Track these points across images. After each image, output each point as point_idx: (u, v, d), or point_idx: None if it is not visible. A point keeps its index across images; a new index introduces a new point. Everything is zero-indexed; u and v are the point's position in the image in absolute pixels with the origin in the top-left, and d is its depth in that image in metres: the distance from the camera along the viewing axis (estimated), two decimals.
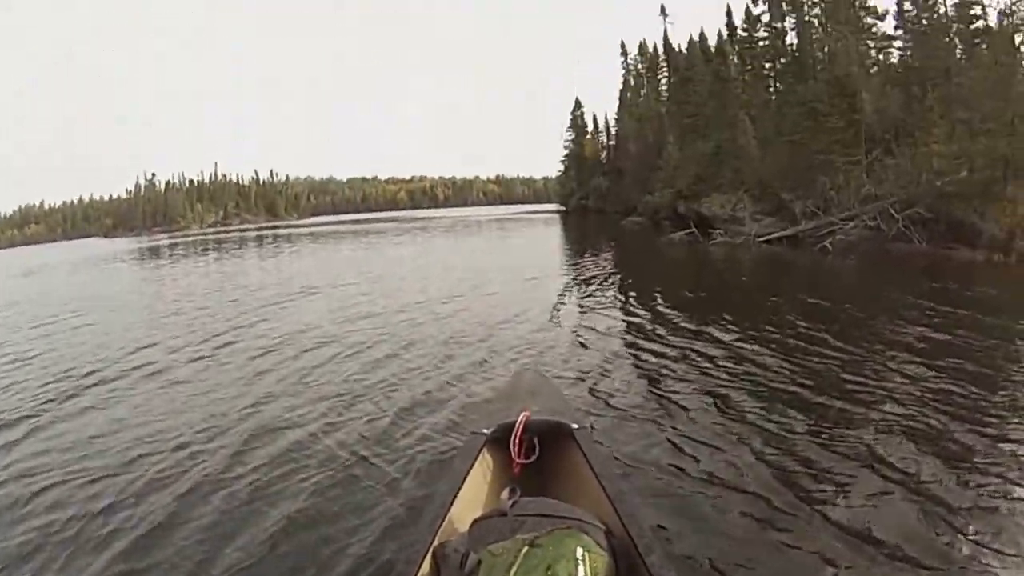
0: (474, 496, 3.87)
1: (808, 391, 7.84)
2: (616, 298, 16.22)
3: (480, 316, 13.91)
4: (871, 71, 39.49)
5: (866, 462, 5.71)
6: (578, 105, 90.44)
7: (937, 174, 28.57)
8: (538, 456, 4.28)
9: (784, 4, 46.03)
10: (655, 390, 8.15)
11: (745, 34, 51.64)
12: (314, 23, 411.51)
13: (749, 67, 50.00)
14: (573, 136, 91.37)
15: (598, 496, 3.52)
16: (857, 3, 41.13)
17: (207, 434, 7.34)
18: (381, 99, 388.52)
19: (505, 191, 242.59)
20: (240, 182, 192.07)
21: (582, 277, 20.67)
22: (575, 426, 4.30)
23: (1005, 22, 30.58)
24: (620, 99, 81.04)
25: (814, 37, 43.22)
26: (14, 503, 5.92)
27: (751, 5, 49.70)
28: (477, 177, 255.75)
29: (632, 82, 78.86)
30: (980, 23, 35.56)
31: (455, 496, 3.59)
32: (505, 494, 3.15)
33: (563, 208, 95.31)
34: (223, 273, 32.16)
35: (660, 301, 15.23)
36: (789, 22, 45.90)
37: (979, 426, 6.36)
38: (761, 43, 49.60)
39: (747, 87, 48.71)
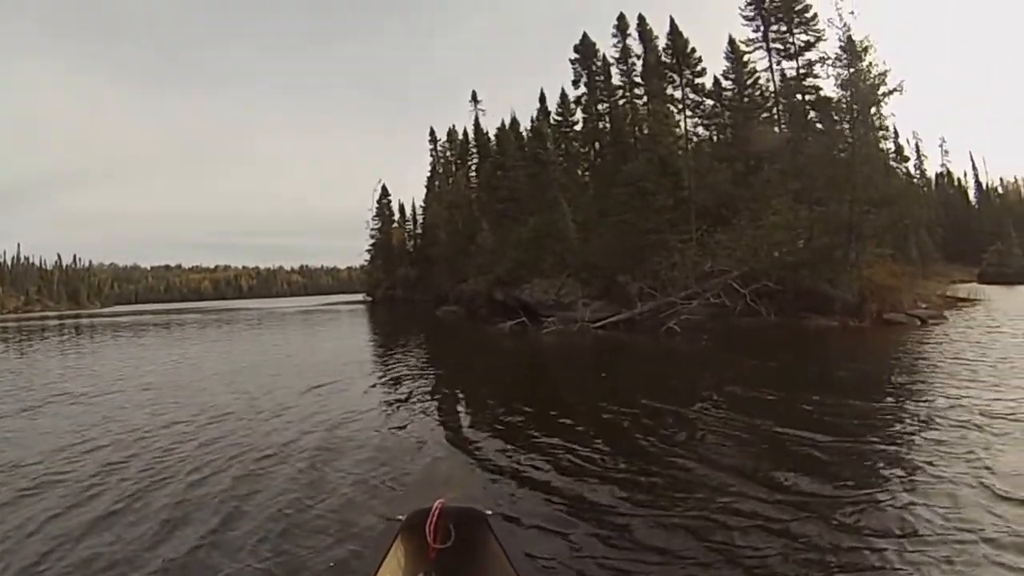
0: None
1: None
2: (462, 397, 15.04)
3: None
4: (693, 148, 39.06)
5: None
6: (385, 192, 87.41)
7: (775, 245, 28.25)
8: (453, 542, 4.38)
9: (600, 87, 45.37)
10: (554, 483, 7.94)
11: (560, 118, 50.86)
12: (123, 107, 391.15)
13: (563, 150, 48.82)
14: (380, 224, 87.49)
15: None
16: (681, 81, 40.80)
17: None
18: (185, 184, 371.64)
19: (310, 281, 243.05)
20: (43, 266, 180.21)
21: (417, 377, 17.89)
22: (489, 513, 4.62)
23: (846, 93, 29.96)
24: (428, 186, 78.77)
25: (637, 117, 42.38)
26: None
27: (568, 89, 49.47)
28: (281, 267, 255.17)
29: (441, 169, 76.63)
30: (815, 95, 35.73)
31: None
32: None
33: (370, 298, 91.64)
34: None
35: (511, 398, 14.37)
36: (605, 106, 45.14)
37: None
38: (577, 126, 48.84)
39: (564, 171, 47.48)
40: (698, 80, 41.55)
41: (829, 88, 34.69)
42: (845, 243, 27.54)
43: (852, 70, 29.49)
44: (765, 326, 25.42)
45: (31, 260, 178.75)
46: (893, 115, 29.74)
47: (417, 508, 4.54)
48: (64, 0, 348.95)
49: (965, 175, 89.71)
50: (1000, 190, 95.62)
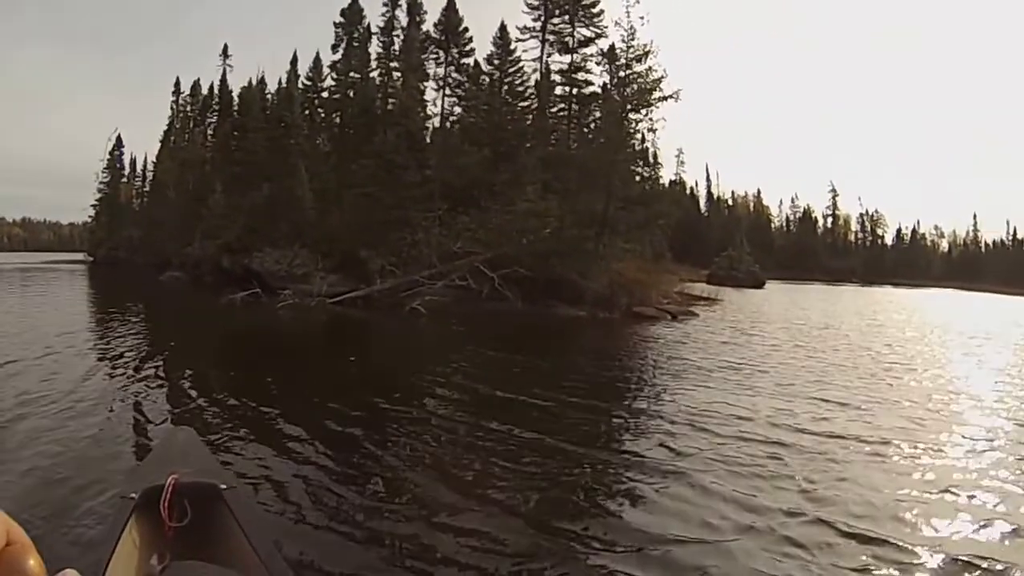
0: (125, 561, 3.65)
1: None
2: (190, 375, 13.24)
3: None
4: (447, 128, 38.00)
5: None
6: (119, 143, 79.10)
7: (524, 232, 27.69)
8: (190, 519, 4.10)
9: (358, 55, 43.06)
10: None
11: (310, 83, 48.03)
12: None
13: (308, 117, 46.22)
14: (108, 179, 79.08)
15: (250, 559, 3.55)
16: (446, 59, 39.70)
17: None
18: None
19: (31, 236, 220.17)
20: None
21: (139, 352, 15.74)
22: (225, 487, 4.28)
23: (617, 91, 30.07)
24: (163, 141, 71.94)
25: (389, 90, 40.42)
26: None
27: (324, 54, 47.01)
28: (3, 219, 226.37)
29: (179, 124, 70.26)
30: (582, 89, 35.43)
31: (107, 564, 3.35)
32: (154, 559, 3.32)
33: (91, 258, 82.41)
34: None
35: (244, 377, 13.78)
36: (359, 76, 42.96)
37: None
38: (327, 93, 46.22)
39: (307, 138, 44.80)
40: (464, 60, 40.48)
41: (599, 85, 34.86)
42: (596, 236, 27.40)
43: (629, 71, 29.40)
44: (513, 312, 24.98)
45: None
46: (663, 120, 29.94)
47: (150, 485, 4.18)
48: None
49: (697, 184, 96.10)
50: (729, 201, 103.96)
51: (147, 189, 75.79)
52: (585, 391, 11.74)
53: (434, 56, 40.83)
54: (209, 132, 64.38)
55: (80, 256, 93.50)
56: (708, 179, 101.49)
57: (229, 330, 22.38)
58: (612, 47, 34.12)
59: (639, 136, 30.89)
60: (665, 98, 28.78)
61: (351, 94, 42.54)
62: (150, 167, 76.27)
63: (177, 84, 71.39)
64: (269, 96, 53.53)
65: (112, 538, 3.69)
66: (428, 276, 26.61)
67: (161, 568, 3.01)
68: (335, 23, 44.39)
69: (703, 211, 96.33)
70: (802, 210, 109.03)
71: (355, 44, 43.67)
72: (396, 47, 42.13)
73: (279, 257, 32.47)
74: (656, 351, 17.27)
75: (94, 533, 5.18)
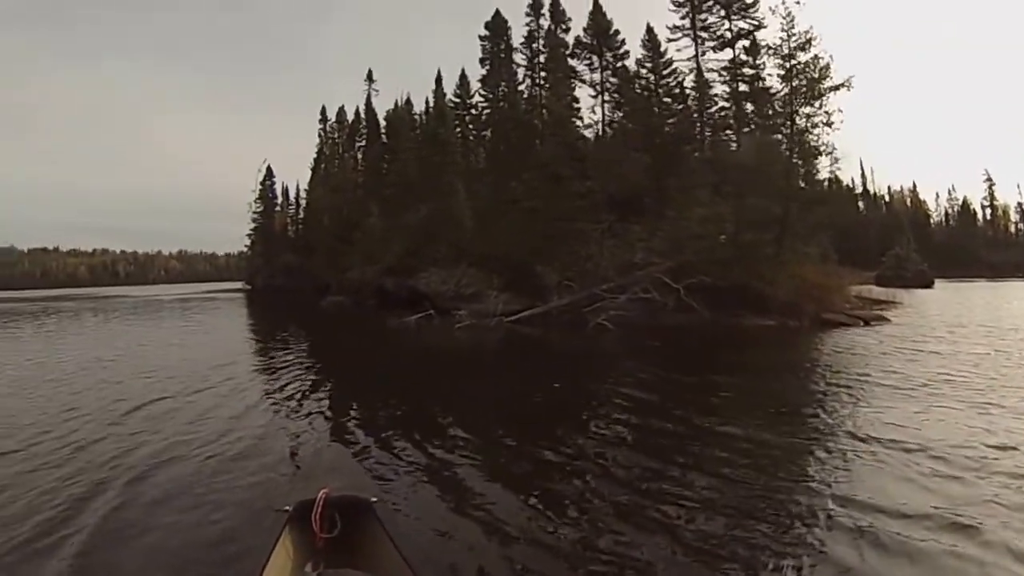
0: (279, 572, 3.93)
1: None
2: (362, 396, 13.38)
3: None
4: (609, 135, 36.66)
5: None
6: (269, 174, 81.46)
7: (698, 239, 25.89)
8: (340, 531, 4.39)
9: (509, 67, 42.36)
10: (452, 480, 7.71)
11: (458, 100, 47.74)
12: None
13: (459, 134, 45.64)
14: (262, 208, 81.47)
15: (400, 569, 3.84)
16: (601, 63, 38.50)
17: None
18: (63, 163, 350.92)
19: (187, 268, 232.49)
20: None
21: (312, 374, 15.80)
22: (374, 500, 4.71)
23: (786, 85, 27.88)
24: (314, 169, 73.72)
25: (542, 100, 39.44)
26: None
27: (469, 70, 46.69)
28: (160, 252, 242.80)
29: (328, 151, 71.77)
30: (751, 86, 33.35)
31: (262, 572, 3.70)
32: (309, 567, 3.62)
33: (249, 287, 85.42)
34: None
35: (422, 399, 12.94)
36: (509, 87, 42.13)
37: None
38: (477, 108, 45.78)
39: (462, 155, 44.12)
40: (620, 64, 39.09)
41: (763, 79, 32.76)
42: (775, 240, 25.49)
43: (794, 61, 27.38)
44: (700, 324, 23.21)
45: None
46: (840, 110, 27.65)
47: (303, 499, 4.51)
48: None
49: (853, 182, 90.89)
50: (886, 198, 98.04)
51: (301, 216, 77.62)
52: (800, 418, 10.09)
53: (587, 62, 39.63)
54: (358, 157, 65.16)
55: (238, 284, 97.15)
56: (863, 175, 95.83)
57: (404, 352, 21.67)
58: (755, 41, 32.77)
59: (815, 131, 28.65)
60: (836, 87, 26.68)
61: (502, 107, 41.85)
62: (302, 195, 78.22)
63: (323, 112, 73.37)
64: (417, 117, 53.79)
65: (267, 548, 4.01)
66: (607, 290, 25.14)
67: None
68: (480, 36, 44.10)
69: (860, 209, 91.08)
70: (960, 202, 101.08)
71: (502, 56, 43.07)
72: (543, 57, 41.23)
73: (445, 277, 31.79)
74: (863, 363, 15.06)
75: (250, 544, 5.34)
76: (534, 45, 42.29)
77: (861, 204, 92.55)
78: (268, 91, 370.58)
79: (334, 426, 10.59)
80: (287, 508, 4.54)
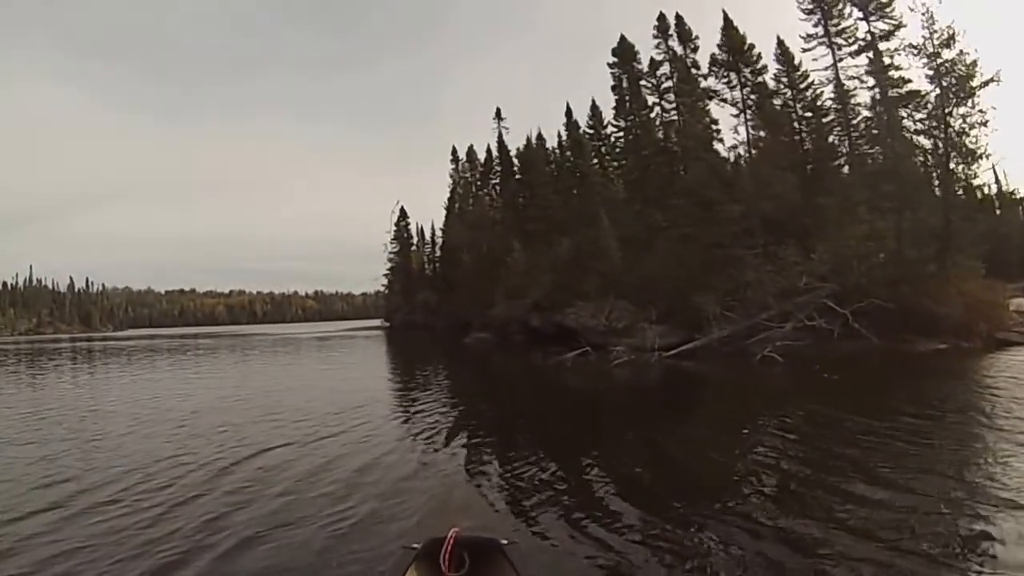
0: None
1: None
2: (516, 437, 13.12)
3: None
4: (755, 154, 35.46)
5: None
6: (404, 215, 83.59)
7: (860, 258, 24.79)
8: (468, 570, 4.42)
9: (643, 91, 41.76)
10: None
11: (592, 131, 47.46)
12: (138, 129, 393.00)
13: (598, 163, 45.09)
14: (398, 248, 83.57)
15: None
16: (739, 80, 37.36)
17: None
18: (200, 210, 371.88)
19: (324, 307, 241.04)
20: (55, 289, 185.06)
21: (456, 413, 15.86)
22: (504, 542, 4.68)
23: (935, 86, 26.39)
24: (448, 208, 74.86)
25: (681, 123, 38.60)
26: None
27: (599, 100, 46.20)
28: (295, 292, 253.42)
29: (461, 190, 72.81)
30: (901, 89, 31.35)
31: None
32: None
33: (387, 324, 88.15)
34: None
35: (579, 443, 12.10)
36: (646, 112, 41.43)
37: None
38: (611, 138, 45.28)
39: (604, 185, 43.56)
40: (759, 79, 37.92)
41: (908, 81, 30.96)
42: (938, 255, 23.97)
43: (940, 60, 25.92)
44: (871, 352, 21.68)
45: (43, 282, 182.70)
46: (993, 108, 25.86)
47: (432, 537, 4.52)
48: (75, 28, 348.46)
49: (987, 186, 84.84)
50: None
51: (438, 255, 78.66)
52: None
53: (724, 79, 38.69)
54: (493, 193, 65.72)
55: (376, 322, 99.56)
56: (996, 179, 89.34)
57: (555, 391, 20.99)
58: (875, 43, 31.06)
59: (972, 132, 26.77)
60: (986, 83, 25.03)
61: (638, 134, 41.25)
62: (438, 234, 79.49)
63: (454, 152, 74.50)
64: (549, 151, 53.88)
65: None
66: (769, 318, 24.04)
67: None
68: (609, 64, 43.55)
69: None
70: None
71: (634, 82, 42.53)
72: (674, 79, 40.45)
73: (594, 311, 31.10)
74: None
75: None
76: (662, 70, 41.59)
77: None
78: (392, 141, 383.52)
79: (474, 465, 10.41)
80: (415, 545, 4.60)
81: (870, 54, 32.65)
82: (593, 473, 9.54)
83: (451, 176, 74.88)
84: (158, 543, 7.22)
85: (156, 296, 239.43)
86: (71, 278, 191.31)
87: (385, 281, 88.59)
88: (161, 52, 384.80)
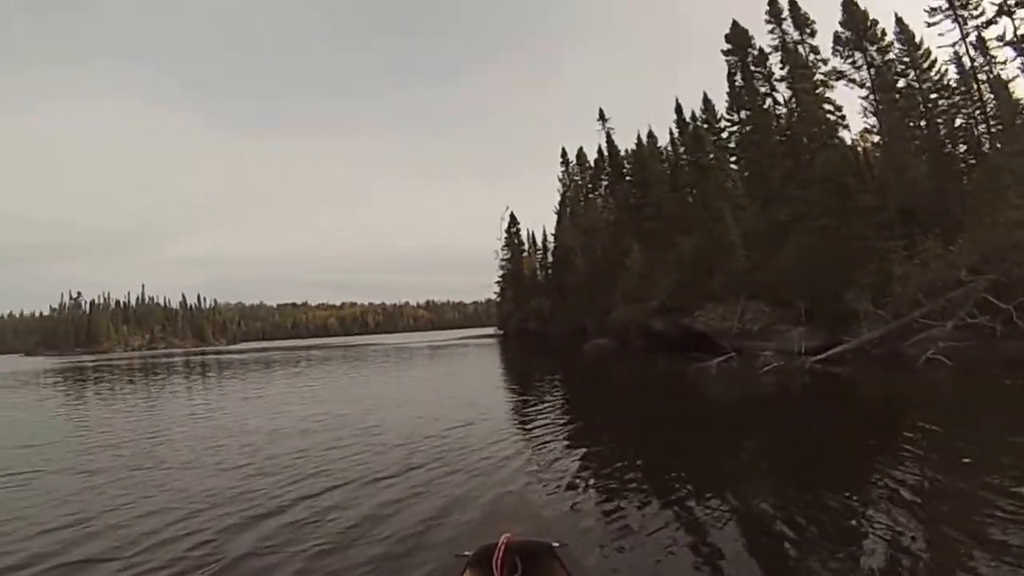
0: None
1: None
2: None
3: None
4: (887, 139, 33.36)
5: None
6: (514, 221, 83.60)
7: (1014, 246, 21.85)
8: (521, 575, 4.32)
9: (754, 81, 39.91)
10: None
11: (706, 125, 45.88)
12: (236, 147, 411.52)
13: (714, 157, 43.35)
14: (509, 255, 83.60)
15: None
16: (865, 60, 35.31)
17: None
18: (311, 225, 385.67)
19: (436, 316, 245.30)
20: (167, 306, 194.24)
21: (574, 424, 14.86)
22: (556, 544, 4.51)
23: None
24: (559, 212, 74.37)
25: (799, 111, 36.65)
26: None
27: (711, 94, 44.57)
28: (407, 303, 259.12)
29: (571, 193, 72.25)
30: None
31: None
32: None
33: (500, 332, 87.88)
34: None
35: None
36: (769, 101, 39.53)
37: None
38: (725, 130, 43.61)
39: (724, 179, 42.06)
40: (885, 58, 35.78)
41: None
42: None
43: None
44: None
45: (155, 300, 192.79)
46: None
47: (484, 543, 4.47)
48: (187, 55, 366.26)
49: None
50: None
51: (551, 260, 77.94)
52: None
53: (849, 60, 36.62)
54: (605, 195, 64.65)
55: (489, 330, 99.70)
56: None
57: (691, 402, 18.91)
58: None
59: None
60: None
61: (758, 123, 39.41)
62: (549, 239, 78.97)
63: (563, 155, 73.82)
64: (662, 149, 52.64)
65: None
66: (924, 315, 21.99)
67: None
68: (723, 51, 41.85)
69: None
70: None
71: (750, 69, 40.71)
72: (789, 65, 38.44)
73: (725, 312, 29.51)
74: None
75: None
76: (777, 56, 39.60)
77: None
78: (497, 147, 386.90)
79: (571, 477, 9.68)
80: (467, 553, 4.54)
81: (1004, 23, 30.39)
82: (712, 487, 8.52)
83: (560, 179, 74.62)
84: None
85: (268, 310, 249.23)
86: (183, 295, 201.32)
87: (497, 288, 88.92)
88: (264, 76, 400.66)
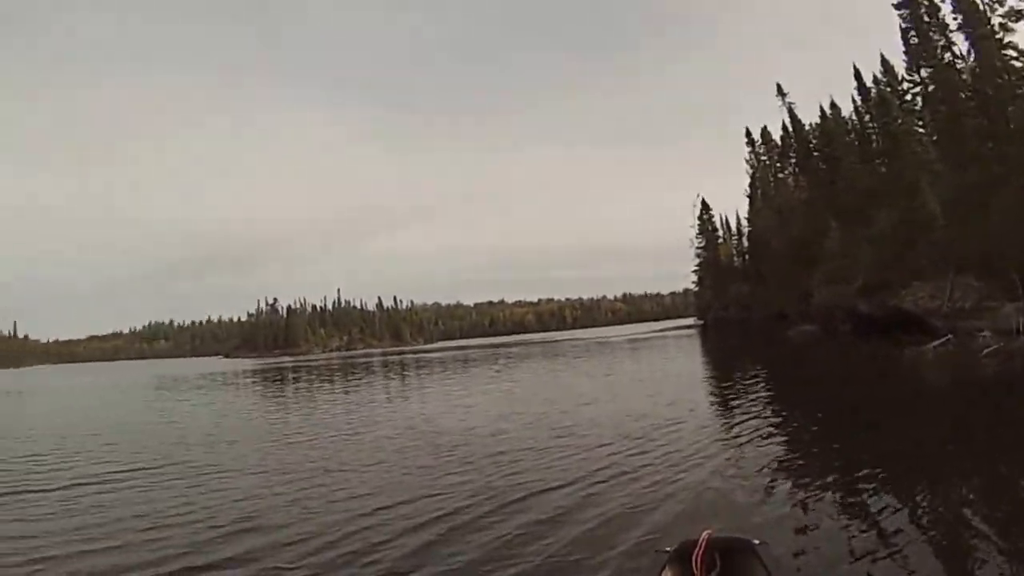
0: None
1: None
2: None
3: None
4: None
5: None
6: (705, 208, 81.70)
7: None
8: (720, 572, 4.27)
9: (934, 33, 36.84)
10: None
11: (888, 89, 43.12)
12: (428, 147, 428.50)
13: (900, 121, 40.56)
14: (703, 243, 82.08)
15: None
16: None
17: None
18: (500, 227, 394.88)
19: (633, 309, 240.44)
20: (364, 308, 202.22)
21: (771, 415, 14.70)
22: (757, 542, 4.57)
23: None
24: (750, 194, 72.23)
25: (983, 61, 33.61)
26: None
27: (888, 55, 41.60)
28: (604, 296, 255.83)
29: (759, 174, 69.86)
30: None
31: None
32: None
33: (700, 321, 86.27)
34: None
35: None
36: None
37: None
38: (917, 87, 40.56)
39: (917, 141, 38.99)
40: None
41: None
42: None
43: None
44: None
45: (351, 303, 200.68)
46: None
47: (684, 539, 4.49)
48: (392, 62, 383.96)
49: None
50: None
51: (746, 245, 76.17)
52: None
53: None
54: (794, 172, 62.49)
55: (688, 321, 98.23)
56: None
57: (909, 391, 17.49)
58: None
59: None
60: None
61: (943, 79, 36.43)
62: (743, 224, 77.14)
63: (748, 135, 71.68)
64: (846, 119, 50.14)
65: None
66: None
67: None
68: (893, 5, 38.91)
69: None
70: None
71: (923, 22, 37.64)
72: (965, 7, 35.11)
73: (932, 290, 27.78)
74: None
75: None
76: (948, 3, 36.25)
77: None
78: (679, 136, 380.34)
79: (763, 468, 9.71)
80: (668, 549, 4.56)
81: None
82: (936, 510, 7.78)
83: (747, 161, 72.24)
84: None
85: (465, 309, 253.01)
86: (379, 298, 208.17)
87: (695, 277, 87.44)
88: (443, 91, 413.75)
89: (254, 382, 45.39)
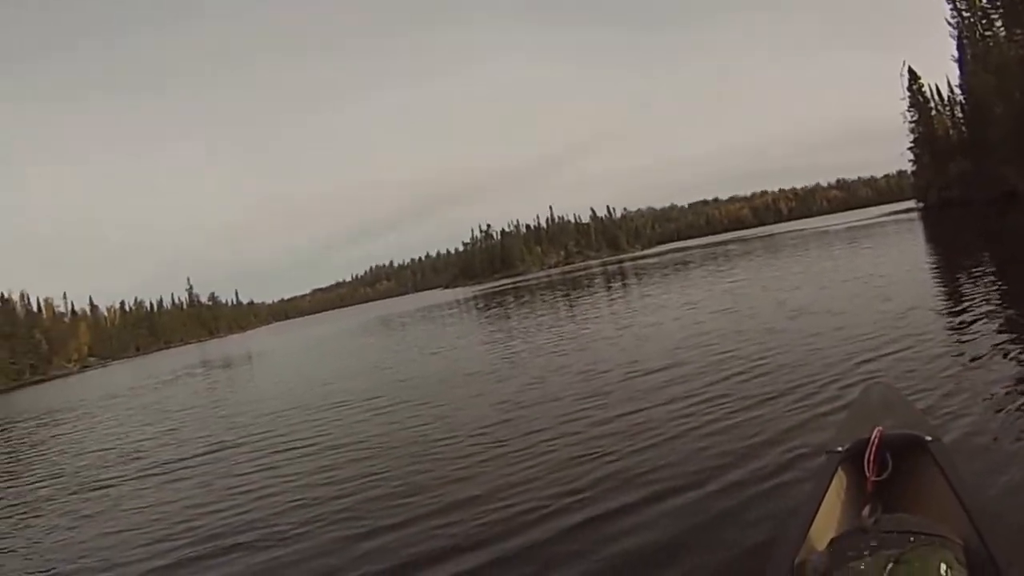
0: (830, 514, 3.80)
1: None
2: None
3: None
4: None
5: None
6: (914, 77, 73.06)
7: None
8: (891, 472, 4.04)
9: None
10: None
11: None
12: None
13: None
14: (916, 116, 73.84)
15: (956, 511, 3.39)
16: None
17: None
18: (708, 124, 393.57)
19: (848, 195, 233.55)
20: (578, 221, 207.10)
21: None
22: (930, 439, 4.15)
23: None
24: (959, 58, 64.33)
25: None
26: None
27: None
28: (818, 184, 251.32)
29: (967, 32, 62.50)
30: None
31: (813, 515, 3.60)
32: (866, 511, 3.19)
33: (920, 204, 77.67)
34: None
35: None
36: None
37: None
38: None
39: None
40: None
41: None
42: None
43: None
44: None
45: (565, 218, 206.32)
46: None
47: (855, 439, 4.13)
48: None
49: None
50: None
51: (961, 116, 68.21)
52: None
53: None
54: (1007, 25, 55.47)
55: (907, 204, 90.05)
56: None
57: None
58: None
59: None
60: None
61: None
62: (955, 91, 69.22)
63: None
64: None
65: (820, 488, 3.81)
66: None
67: (872, 520, 2.81)
68: None
69: None
70: None
71: None
72: None
73: None
74: None
75: (801, 486, 5.19)
76: None
77: None
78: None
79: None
80: (839, 449, 4.16)
81: None
82: None
83: (949, 22, 64.27)
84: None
85: (680, 211, 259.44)
86: (591, 209, 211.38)
87: (911, 156, 79.00)
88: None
89: (479, 306, 50.39)
